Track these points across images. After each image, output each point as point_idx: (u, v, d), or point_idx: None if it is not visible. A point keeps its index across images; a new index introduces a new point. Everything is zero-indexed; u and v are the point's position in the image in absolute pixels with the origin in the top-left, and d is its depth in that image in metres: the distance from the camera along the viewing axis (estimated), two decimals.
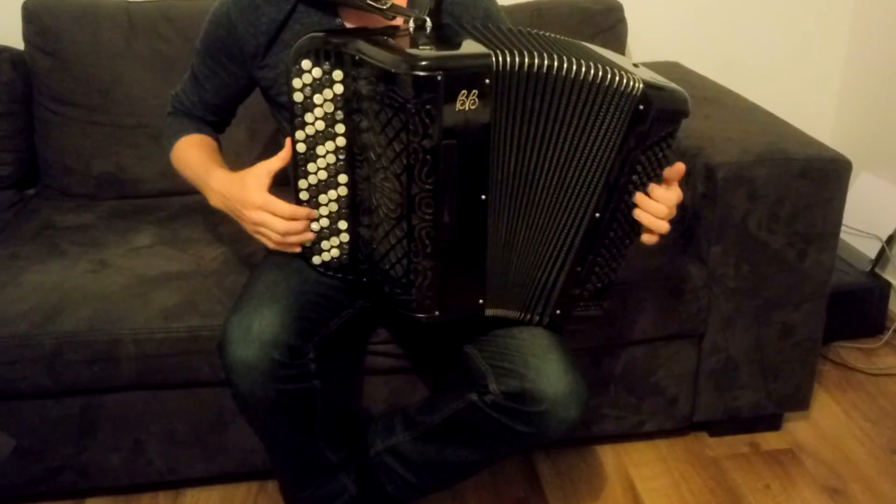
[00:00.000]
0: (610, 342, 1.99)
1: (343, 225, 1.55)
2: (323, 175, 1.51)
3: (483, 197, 1.43)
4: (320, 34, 1.43)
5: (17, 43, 2.33)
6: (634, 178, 1.46)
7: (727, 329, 2.03)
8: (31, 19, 2.28)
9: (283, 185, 1.55)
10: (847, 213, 2.00)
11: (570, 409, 1.53)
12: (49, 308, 1.81)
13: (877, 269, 2.56)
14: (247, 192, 1.51)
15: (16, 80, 2.29)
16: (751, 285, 1.99)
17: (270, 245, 1.56)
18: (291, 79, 1.44)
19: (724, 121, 2.13)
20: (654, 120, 1.42)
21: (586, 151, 1.45)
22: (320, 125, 1.47)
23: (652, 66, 1.66)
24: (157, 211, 2.25)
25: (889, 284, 2.55)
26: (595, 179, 1.47)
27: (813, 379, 2.14)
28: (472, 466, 1.72)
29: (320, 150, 1.49)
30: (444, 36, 1.47)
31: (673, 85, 1.45)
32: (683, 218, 1.99)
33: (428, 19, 1.46)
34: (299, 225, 1.52)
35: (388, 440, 1.75)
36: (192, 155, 1.71)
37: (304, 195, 1.52)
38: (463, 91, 1.33)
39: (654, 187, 1.48)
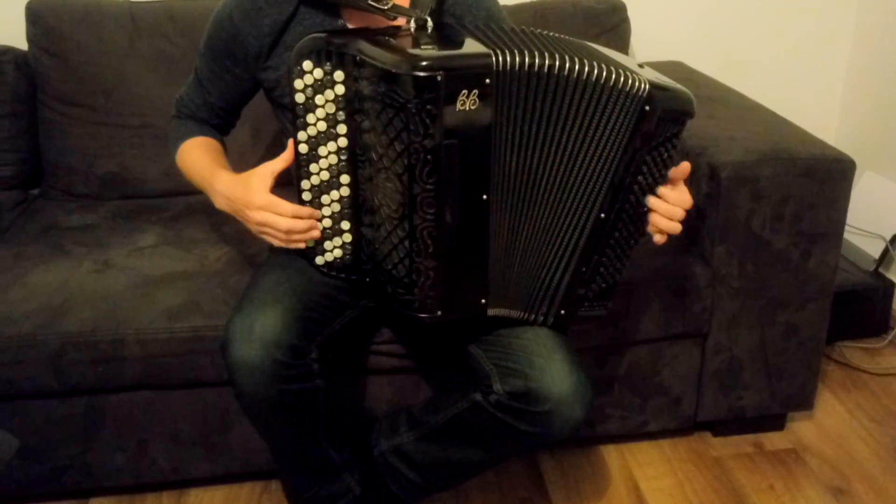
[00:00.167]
0: (614, 342, 1.99)
1: (346, 225, 1.55)
2: (325, 175, 1.51)
3: (485, 197, 1.43)
4: (322, 35, 1.43)
5: (21, 44, 2.33)
6: (640, 178, 1.46)
7: (731, 329, 2.02)
8: (35, 20, 2.28)
9: (287, 185, 1.55)
10: (851, 212, 2.00)
11: (575, 409, 1.53)
12: (53, 308, 1.82)
13: (881, 269, 2.56)
14: (250, 194, 1.51)
15: (20, 81, 2.29)
16: (755, 285, 1.99)
17: (277, 243, 1.56)
18: (293, 80, 1.44)
19: (728, 120, 2.12)
20: (660, 120, 1.42)
21: (591, 151, 1.45)
22: (322, 126, 1.47)
23: (656, 65, 1.65)
24: (161, 211, 2.25)
25: (893, 284, 2.54)
26: (600, 180, 1.46)
27: (817, 379, 2.14)
28: (477, 466, 1.72)
29: (322, 150, 1.49)
30: (446, 36, 1.47)
31: (678, 85, 1.45)
32: (687, 218, 1.98)
33: (429, 19, 1.47)
34: (303, 224, 1.52)
35: (393, 440, 1.76)
36: (197, 158, 1.71)
37: (306, 195, 1.52)
38: (464, 91, 1.33)
39: (666, 190, 1.48)
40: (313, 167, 1.50)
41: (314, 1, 1.63)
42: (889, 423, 2.26)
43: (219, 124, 1.82)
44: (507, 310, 1.56)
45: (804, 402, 2.16)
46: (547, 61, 1.38)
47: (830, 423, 2.26)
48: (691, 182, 1.52)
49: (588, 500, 2.02)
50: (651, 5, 2.67)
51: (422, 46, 1.39)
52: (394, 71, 1.34)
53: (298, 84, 1.44)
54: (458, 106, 1.34)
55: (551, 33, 1.50)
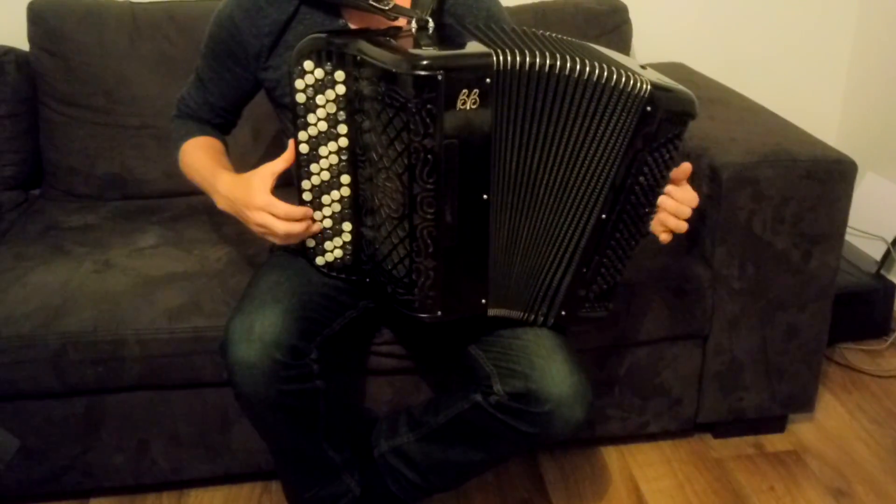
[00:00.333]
0: (614, 343, 1.99)
1: (346, 225, 1.55)
2: (326, 175, 1.51)
3: (485, 196, 1.43)
4: (322, 35, 1.43)
5: (23, 44, 2.33)
6: (641, 179, 1.46)
7: (732, 330, 2.02)
8: (37, 20, 2.28)
9: (288, 186, 1.55)
10: (852, 214, 2.00)
11: (575, 410, 1.53)
12: (54, 308, 1.82)
13: (882, 271, 2.55)
14: (251, 194, 1.51)
15: (21, 81, 2.29)
16: (755, 286, 1.99)
17: (278, 242, 1.56)
18: (294, 80, 1.44)
19: (729, 122, 2.12)
20: (662, 121, 1.42)
21: (592, 152, 1.45)
22: (323, 126, 1.47)
23: (656, 66, 1.65)
24: (161, 211, 2.25)
25: (894, 286, 2.53)
26: (601, 180, 1.46)
27: (818, 380, 2.13)
28: (477, 467, 1.72)
29: (323, 150, 1.49)
30: (447, 36, 1.47)
31: (680, 86, 1.45)
32: (689, 218, 1.99)
33: (430, 20, 1.47)
34: (299, 225, 1.52)
35: (393, 441, 1.76)
36: (199, 159, 1.71)
37: (307, 196, 1.52)
38: (464, 90, 1.33)
39: (673, 189, 1.48)
40: (314, 167, 1.50)
41: (315, 1, 1.63)
42: (890, 424, 2.25)
43: (220, 124, 1.82)
44: (508, 310, 1.56)
45: (805, 403, 2.16)
46: (548, 61, 1.38)
47: (831, 424, 2.26)
48: (692, 183, 1.52)
49: (588, 501, 2.02)
50: (652, 7, 2.67)
51: (422, 47, 1.39)
52: (394, 70, 1.34)
53: (299, 84, 1.44)
54: (459, 105, 1.34)
55: (552, 34, 1.50)
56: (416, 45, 1.41)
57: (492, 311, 1.55)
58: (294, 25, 1.63)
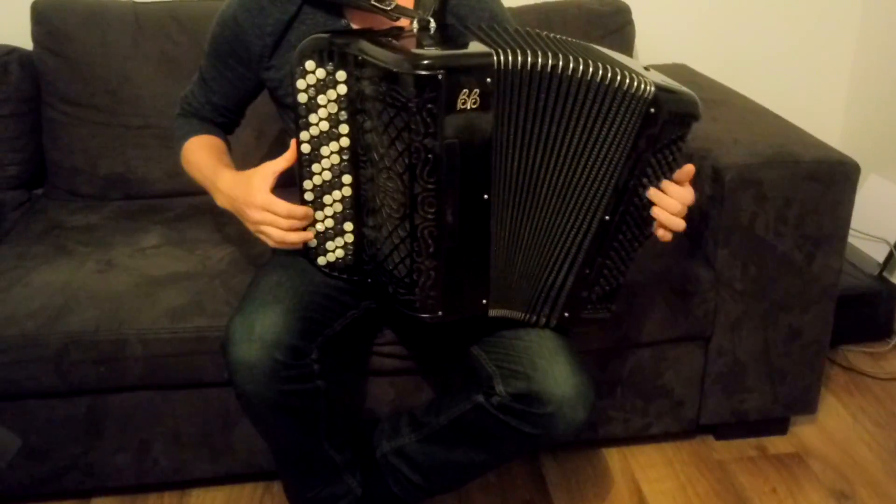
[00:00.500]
0: (617, 344, 1.98)
1: (347, 226, 1.55)
2: (327, 175, 1.51)
3: (486, 196, 1.43)
4: (324, 35, 1.43)
5: (26, 43, 2.33)
6: (644, 180, 1.46)
7: (734, 332, 2.02)
8: (40, 20, 2.28)
9: (290, 186, 1.55)
10: (855, 216, 2.00)
11: (578, 411, 1.53)
12: (56, 308, 1.82)
13: (885, 273, 2.55)
14: (251, 193, 1.51)
15: (24, 81, 2.29)
16: (758, 288, 1.98)
17: (271, 244, 1.56)
18: (296, 79, 1.44)
19: (732, 123, 2.12)
20: (665, 123, 1.42)
21: (594, 153, 1.45)
22: (324, 126, 1.47)
23: (659, 68, 1.65)
24: (164, 211, 2.25)
25: None
26: (604, 181, 1.46)
27: (820, 382, 2.13)
28: (479, 468, 1.72)
29: (324, 150, 1.49)
30: (449, 37, 1.48)
31: (684, 88, 1.44)
32: (691, 220, 1.99)
33: (432, 20, 1.47)
34: (298, 224, 1.52)
35: (395, 441, 1.76)
36: (201, 157, 1.72)
37: (308, 196, 1.52)
38: (464, 90, 1.33)
39: (668, 183, 1.48)
40: (315, 167, 1.50)
41: (317, 1, 1.63)
42: (892, 427, 2.25)
43: (223, 123, 1.82)
44: (509, 311, 1.56)
45: (807, 405, 2.16)
46: (550, 61, 1.38)
47: (834, 427, 2.26)
48: (695, 184, 1.52)
49: (590, 502, 2.02)
50: (655, 8, 2.67)
51: (424, 47, 1.39)
52: (395, 70, 1.34)
53: (301, 84, 1.44)
54: (460, 105, 1.34)
55: (555, 35, 1.50)
56: (418, 45, 1.41)
57: (493, 312, 1.55)
58: (297, 25, 1.63)
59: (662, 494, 2.03)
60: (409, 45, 1.41)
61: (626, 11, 2.51)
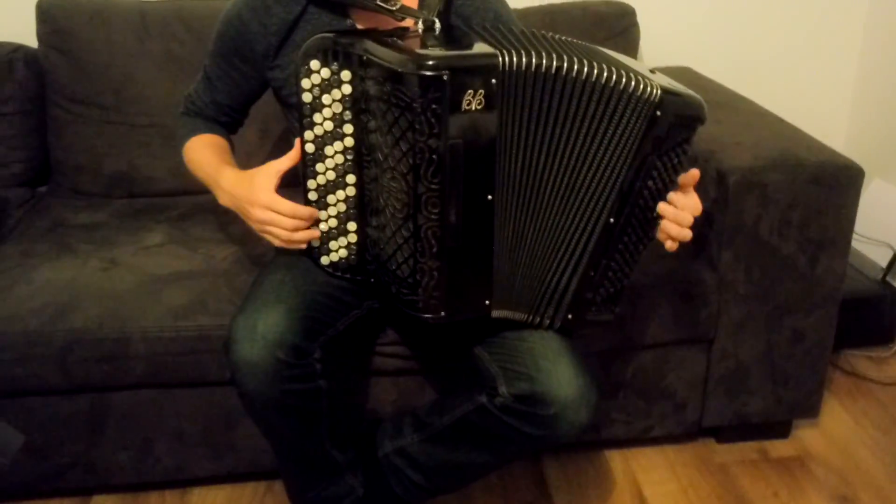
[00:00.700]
0: (620, 346, 1.98)
1: (351, 225, 1.55)
2: (331, 175, 1.51)
3: (489, 197, 1.43)
4: (329, 35, 1.43)
5: (32, 42, 2.34)
6: (650, 183, 1.46)
7: (737, 335, 2.02)
8: (46, 18, 2.29)
9: (294, 185, 1.55)
10: (859, 220, 2.00)
11: (580, 413, 1.53)
12: (60, 305, 1.82)
13: (888, 278, 2.55)
14: (254, 191, 1.52)
15: (29, 79, 2.30)
16: (761, 291, 1.98)
17: (277, 243, 1.56)
18: (300, 79, 1.45)
19: (736, 126, 2.12)
20: (671, 126, 1.42)
21: (599, 155, 1.45)
22: (329, 125, 1.47)
23: (663, 70, 1.65)
24: (168, 210, 2.25)
25: None
26: (609, 184, 1.46)
27: (823, 386, 2.13)
28: (481, 469, 1.72)
29: (328, 150, 1.49)
30: (453, 37, 1.48)
31: (690, 91, 1.44)
32: (695, 224, 1.98)
33: (437, 21, 1.47)
34: (303, 224, 1.52)
35: (397, 441, 1.75)
36: (204, 155, 1.72)
37: (312, 195, 1.52)
38: (469, 91, 1.33)
39: (676, 196, 1.48)
40: (319, 167, 1.50)
41: (322, 1, 1.63)
42: (895, 432, 2.25)
43: (227, 122, 1.82)
44: (512, 312, 1.56)
45: (810, 409, 2.15)
46: (555, 63, 1.38)
47: (836, 431, 2.25)
48: (699, 187, 1.52)
49: None
50: (660, 10, 2.67)
51: (429, 47, 1.39)
52: (399, 70, 1.34)
53: (305, 83, 1.45)
54: (464, 106, 1.34)
55: (561, 36, 1.50)
56: (423, 45, 1.41)
57: (496, 313, 1.55)
58: (302, 25, 1.64)
59: (664, 497, 2.03)
60: (414, 45, 1.41)
61: (630, 14, 2.51)
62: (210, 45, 1.74)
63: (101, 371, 1.81)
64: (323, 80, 1.44)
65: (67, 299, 1.83)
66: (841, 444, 2.20)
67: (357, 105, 1.45)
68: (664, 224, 1.49)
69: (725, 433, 2.20)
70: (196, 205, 2.25)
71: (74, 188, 2.35)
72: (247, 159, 1.89)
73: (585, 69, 1.39)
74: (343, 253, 1.58)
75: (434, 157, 1.36)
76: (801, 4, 2.76)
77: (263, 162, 1.55)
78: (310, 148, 1.49)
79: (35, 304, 1.82)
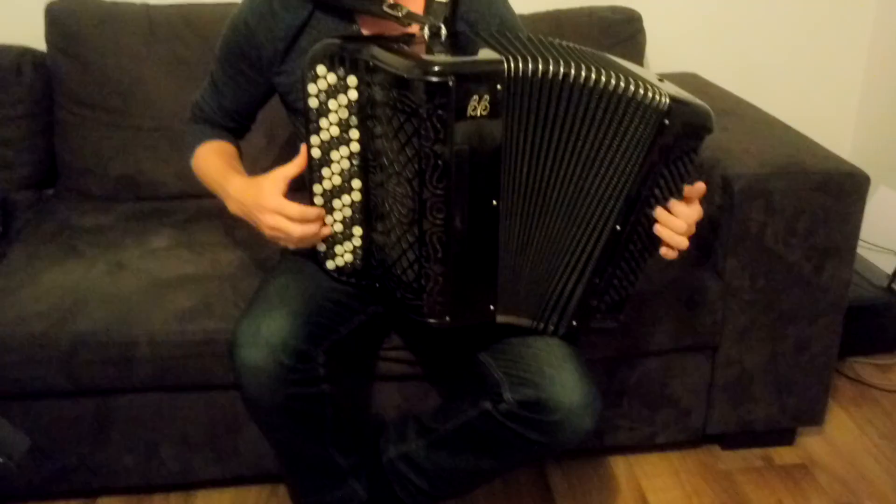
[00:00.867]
0: (624, 353, 1.98)
1: (356, 230, 1.55)
2: (337, 180, 1.51)
3: (495, 203, 1.43)
4: (336, 40, 1.44)
5: (40, 45, 2.34)
6: (656, 191, 1.46)
7: (742, 342, 2.02)
8: (54, 22, 2.29)
9: (301, 190, 1.56)
10: (864, 227, 2.00)
11: (585, 419, 1.53)
12: (66, 308, 1.82)
13: (893, 285, 2.54)
14: (262, 198, 1.52)
15: (37, 82, 2.31)
16: (766, 298, 1.98)
17: (291, 246, 1.57)
18: (307, 84, 1.45)
19: (742, 133, 2.12)
20: (679, 134, 1.42)
21: (606, 162, 1.44)
22: (335, 131, 1.47)
23: (669, 76, 1.65)
24: (174, 213, 2.26)
25: None
26: (615, 191, 1.46)
27: (827, 394, 2.13)
28: (485, 475, 1.72)
29: (335, 155, 1.49)
30: (459, 43, 1.48)
31: (698, 100, 1.44)
32: (700, 231, 1.98)
33: (443, 27, 1.47)
34: (313, 226, 1.53)
35: (401, 447, 1.76)
36: (211, 163, 1.72)
37: (318, 200, 1.53)
38: (475, 97, 1.34)
39: (674, 203, 1.48)
40: (325, 172, 1.51)
41: (329, 6, 1.63)
42: None
43: (234, 128, 1.82)
44: (517, 318, 1.56)
45: (814, 417, 2.15)
46: (561, 69, 1.38)
47: (840, 438, 2.25)
48: (704, 195, 1.52)
49: None
50: (666, 16, 2.67)
51: (435, 53, 1.39)
52: (406, 76, 1.34)
53: (312, 89, 1.45)
54: (470, 112, 1.34)
55: (567, 43, 1.50)
56: (429, 51, 1.42)
57: (501, 318, 1.55)
58: (308, 30, 1.64)
59: None
60: (420, 51, 1.42)
61: (637, 19, 2.51)
62: (216, 51, 1.74)
63: (106, 374, 1.81)
64: (329, 85, 1.44)
65: (73, 302, 1.84)
66: (845, 452, 2.20)
67: (363, 111, 1.45)
68: (658, 229, 1.48)
69: (730, 440, 2.19)
70: (202, 208, 2.26)
71: (81, 191, 2.35)
72: (253, 164, 1.89)
73: (593, 76, 1.39)
74: (348, 258, 1.58)
75: (439, 162, 1.37)
76: (808, 11, 2.76)
77: (270, 167, 1.56)
78: (316, 153, 1.49)
79: (41, 306, 1.82)
